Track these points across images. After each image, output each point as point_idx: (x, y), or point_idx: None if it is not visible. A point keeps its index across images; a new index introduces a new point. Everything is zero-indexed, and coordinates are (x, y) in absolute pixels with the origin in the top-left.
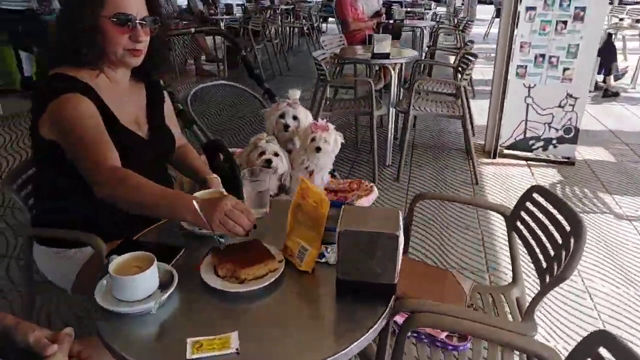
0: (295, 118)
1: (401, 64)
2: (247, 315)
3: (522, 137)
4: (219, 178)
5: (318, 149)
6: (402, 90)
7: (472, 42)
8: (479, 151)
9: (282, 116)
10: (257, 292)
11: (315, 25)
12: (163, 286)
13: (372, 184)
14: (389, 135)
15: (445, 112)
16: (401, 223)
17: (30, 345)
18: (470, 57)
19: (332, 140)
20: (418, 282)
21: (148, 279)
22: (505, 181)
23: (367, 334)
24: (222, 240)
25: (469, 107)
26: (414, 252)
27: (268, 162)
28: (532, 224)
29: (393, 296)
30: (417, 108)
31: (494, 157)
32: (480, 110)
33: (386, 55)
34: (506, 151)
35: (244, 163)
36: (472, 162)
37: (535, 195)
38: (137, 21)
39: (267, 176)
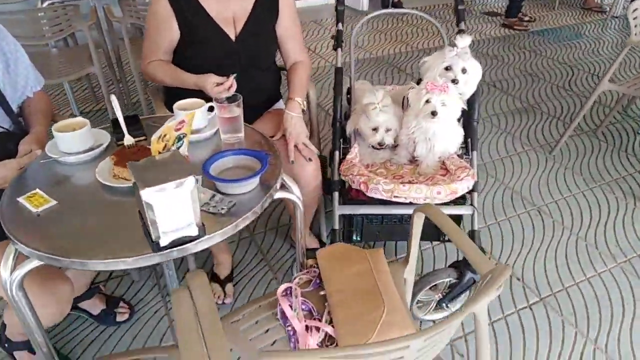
0: (464, 71)
1: None
2: (86, 199)
3: None
4: (298, 102)
5: (434, 113)
6: None
7: None
8: None
9: (449, 68)
10: (112, 189)
11: None
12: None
13: (471, 172)
14: None
15: None
16: (179, 185)
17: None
18: None
19: (453, 104)
20: (354, 285)
21: (73, 138)
22: None
23: (124, 259)
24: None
25: None
26: None
27: (381, 144)
28: None
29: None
30: None
31: None
32: None
33: None
34: None
35: (353, 126)
36: None
37: None
38: None
39: (239, 103)
